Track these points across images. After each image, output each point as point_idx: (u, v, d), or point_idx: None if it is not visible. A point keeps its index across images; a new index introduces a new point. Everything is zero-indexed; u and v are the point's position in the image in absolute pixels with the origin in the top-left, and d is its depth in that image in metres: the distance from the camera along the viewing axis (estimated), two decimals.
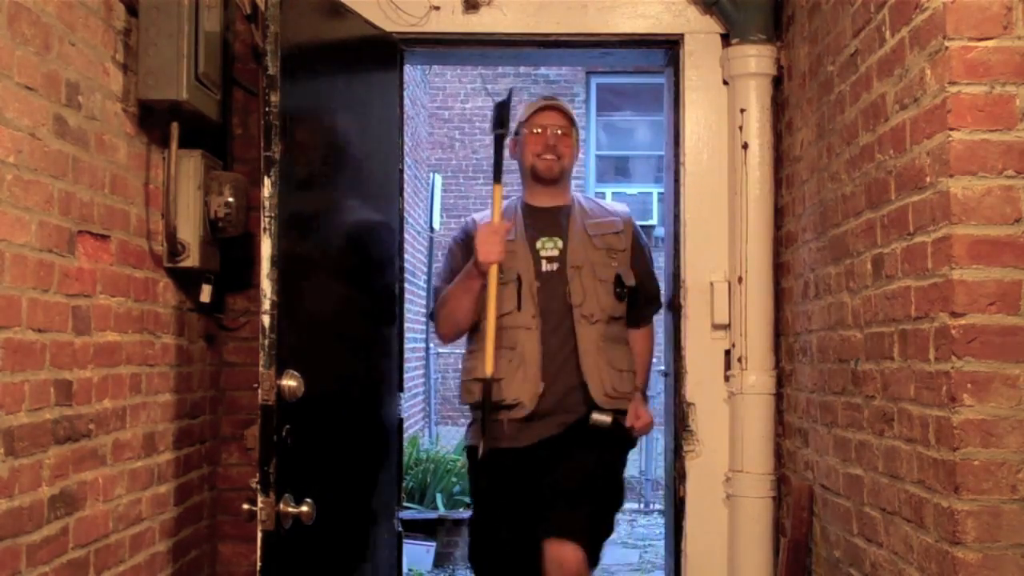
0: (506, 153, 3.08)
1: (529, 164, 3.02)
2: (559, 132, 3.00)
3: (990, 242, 1.87)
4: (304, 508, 2.37)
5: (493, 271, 2.81)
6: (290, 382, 2.38)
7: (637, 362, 3.09)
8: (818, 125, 2.83)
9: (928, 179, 1.99)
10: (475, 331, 3.01)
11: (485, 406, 2.84)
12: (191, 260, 2.87)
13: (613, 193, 10.39)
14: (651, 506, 8.30)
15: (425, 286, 9.01)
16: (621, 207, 3.20)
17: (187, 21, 2.68)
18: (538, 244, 2.98)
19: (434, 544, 6.00)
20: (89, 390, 2.40)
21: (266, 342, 2.34)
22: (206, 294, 3.08)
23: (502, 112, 2.95)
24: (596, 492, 2.92)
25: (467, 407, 3.10)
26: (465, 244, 3.01)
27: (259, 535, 2.30)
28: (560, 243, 2.98)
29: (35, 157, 2.14)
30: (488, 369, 2.81)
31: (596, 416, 2.91)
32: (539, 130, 3.00)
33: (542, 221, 3.02)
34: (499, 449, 2.88)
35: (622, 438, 3.01)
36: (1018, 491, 1.84)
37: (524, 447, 2.91)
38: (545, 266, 2.96)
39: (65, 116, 2.28)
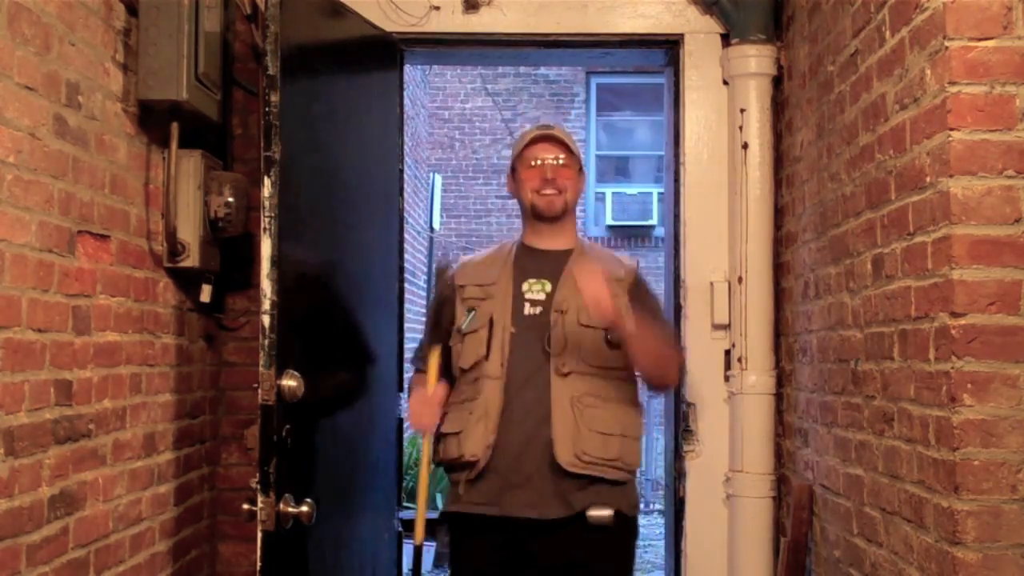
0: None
1: (528, 202, 2.70)
2: (558, 163, 2.67)
3: (990, 242, 1.87)
4: (304, 508, 2.37)
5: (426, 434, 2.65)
6: (290, 382, 2.38)
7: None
8: (818, 125, 2.83)
9: (928, 179, 1.99)
10: (452, 386, 2.73)
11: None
12: (191, 260, 2.88)
13: (613, 193, 10.38)
14: (651, 506, 8.30)
15: (425, 286, 8.99)
16: (630, 260, 2.82)
17: (187, 21, 2.68)
18: (524, 286, 2.68)
19: (434, 544, 6.00)
20: (89, 390, 2.40)
21: (266, 342, 2.34)
22: (206, 294, 3.08)
23: (441, 280, 2.82)
24: None
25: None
26: (445, 289, 2.78)
27: (259, 535, 2.30)
28: (549, 286, 2.66)
29: (35, 157, 2.14)
30: (417, 538, 2.61)
31: (593, 512, 2.54)
32: (536, 162, 2.67)
33: (536, 262, 2.72)
34: (467, 515, 2.60)
35: (628, 546, 2.69)
36: (1018, 491, 1.84)
37: (499, 517, 2.56)
38: (528, 309, 2.64)
39: (65, 116, 2.28)
